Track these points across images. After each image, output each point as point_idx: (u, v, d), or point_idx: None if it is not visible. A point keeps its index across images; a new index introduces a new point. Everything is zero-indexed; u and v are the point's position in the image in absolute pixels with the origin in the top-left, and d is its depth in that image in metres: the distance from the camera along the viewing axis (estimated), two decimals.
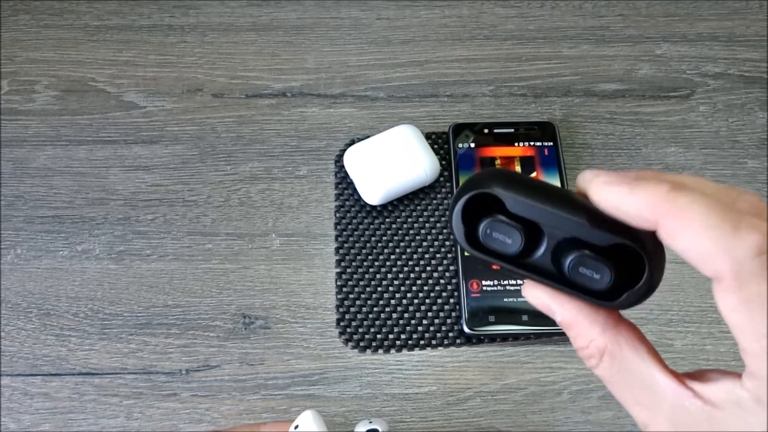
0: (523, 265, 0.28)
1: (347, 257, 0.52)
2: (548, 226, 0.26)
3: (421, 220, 0.54)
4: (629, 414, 0.26)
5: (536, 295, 0.28)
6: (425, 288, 0.51)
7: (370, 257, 0.52)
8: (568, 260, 0.26)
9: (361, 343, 0.50)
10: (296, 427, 0.32)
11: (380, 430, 0.30)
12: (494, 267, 0.51)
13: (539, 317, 0.49)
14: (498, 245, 0.27)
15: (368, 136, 0.55)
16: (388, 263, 0.52)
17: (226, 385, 0.48)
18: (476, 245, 0.27)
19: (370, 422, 0.30)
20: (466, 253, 0.51)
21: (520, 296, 0.50)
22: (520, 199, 0.26)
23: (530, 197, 0.26)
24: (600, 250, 0.26)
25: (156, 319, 0.50)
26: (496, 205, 0.26)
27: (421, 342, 0.50)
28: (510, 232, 0.27)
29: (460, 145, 0.56)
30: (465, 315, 0.49)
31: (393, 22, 0.64)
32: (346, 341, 0.50)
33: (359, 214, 0.54)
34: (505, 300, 0.50)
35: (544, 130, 0.57)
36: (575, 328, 0.27)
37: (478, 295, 0.50)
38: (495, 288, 0.50)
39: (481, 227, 0.27)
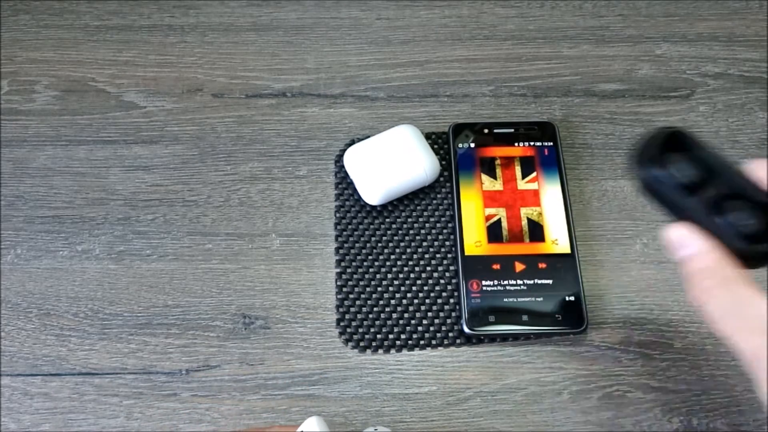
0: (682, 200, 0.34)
1: (347, 257, 0.52)
2: (719, 179, 0.34)
3: (421, 220, 0.54)
4: (734, 347, 0.31)
5: (680, 231, 0.34)
6: (425, 288, 0.51)
7: (370, 257, 0.52)
8: (727, 205, 0.33)
9: (361, 343, 0.50)
10: None
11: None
12: (494, 267, 0.51)
13: (539, 317, 0.49)
14: (675, 172, 0.34)
15: (368, 136, 0.55)
16: (388, 263, 0.52)
17: (226, 385, 0.48)
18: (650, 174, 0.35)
19: (375, 430, 0.30)
20: (466, 253, 0.52)
21: (520, 296, 0.50)
22: (706, 151, 0.35)
23: (714, 153, 0.35)
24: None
25: (156, 319, 0.50)
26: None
27: (421, 342, 0.50)
28: (688, 168, 0.34)
29: (460, 145, 0.56)
30: (465, 315, 0.49)
31: (393, 22, 0.64)
32: (346, 341, 0.50)
33: (359, 214, 0.54)
34: (505, 300, 0.50)
35: (544, 130, 0.57)
36: (709, 258, 0.33)
37: (478, 295, 0.50)
38: (495, 288, 0.50)
39: (670, 157, 0.35)
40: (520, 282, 0.50)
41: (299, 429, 0.32)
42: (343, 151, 0.56)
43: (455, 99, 0.60)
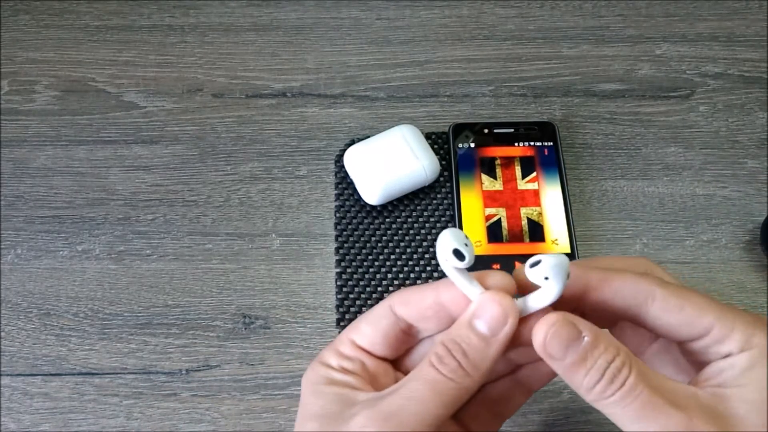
0: None
1: (347, 257, 0.52)
2: None
3: (421, 220, 0.54)
4: None
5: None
6: None
7: (370, 257, 0.52)
8: None
9: None
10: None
11: (543, 261, 0.28)
12: (494, 267, 0.51)
13: None
14: None
15: (368, 136, 0.55)
16: (388, 263, 0.52)
17: (226, 385, 0.48)
18: None
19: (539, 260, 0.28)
20: None
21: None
22: None
23: None
24: None
25: (156, 319, 0.50)
26: None
27: None
28: None
29: (460, 145, 0.56)
30: None
31: (393, 22, 0.64)
32: None
33: (359, 214, 0.54)
34: None
35: (544, 130, 0.57)
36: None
37: None
38: None
39: None
40: None
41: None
42: (343, 151, 0.56)
43: (455, 99, 0.60)
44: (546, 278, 0.28)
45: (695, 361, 0.30)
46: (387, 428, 0.28)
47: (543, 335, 0.28)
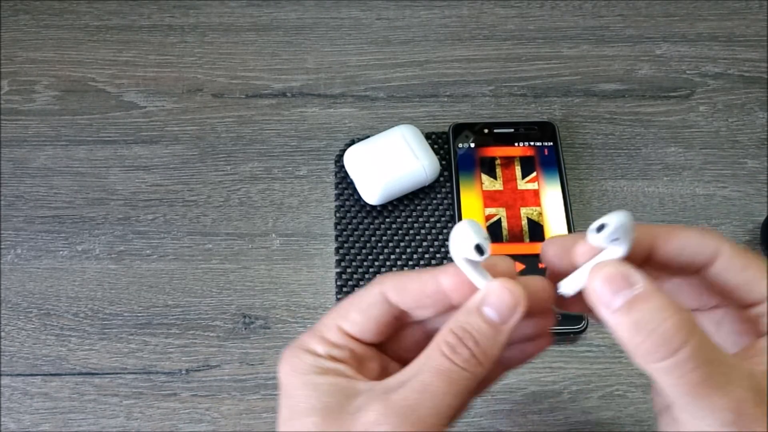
0: None
1: (347, 257, 0.52)
2: None
3: (421, 220, 0.54)
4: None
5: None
6: None
7: (370, 257, 0.52)
8: None
9: None
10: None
11: (609, 223, 0.27)
12: None
13: None
14: None
15: (368, 136, 0.55)
16: (388, 263, 0.52)
17: (226, 385, 0.48)
18: None
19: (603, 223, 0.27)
20: None
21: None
22: None
23: None
24: None
25: (156, 319, 0.50)
26: None
27: None
28: None
29: (460, 145, 0.56)
30: None
31: (393, 22, 0.64)
32: None
33: (359, 214, 0.54)
34: None
35: (544, 130, 0.57)
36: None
37: None
38: None
39: None
40: None
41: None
42: (343, 151, 0.56)
43: (455, 99, 0.60)
44: (614, 239, 0.26)
45: (749, 331, 0.29)
46: (405, 426, 0.26)
47: (592, 279, 0.26)
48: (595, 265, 0.27)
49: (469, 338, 0.28)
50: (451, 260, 0.29)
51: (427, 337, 0.30)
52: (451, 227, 0.53)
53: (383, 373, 0.30)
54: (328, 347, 0.30)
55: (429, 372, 0.27)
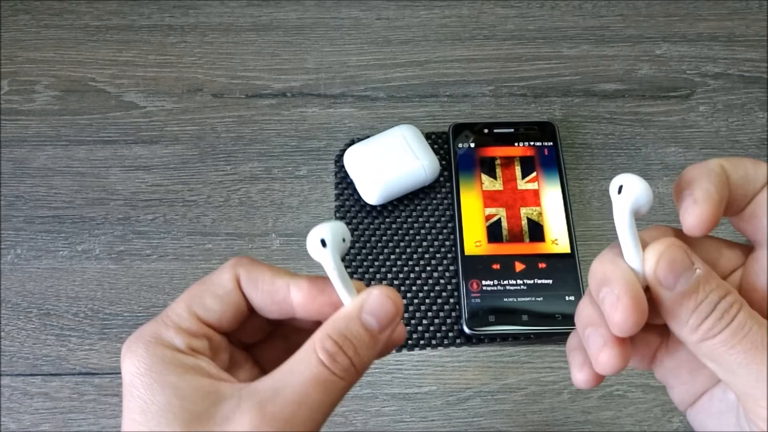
0: None
1: (347, 257, 0.52)
2: None
3: (421, 220, 0.54)
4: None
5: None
6: (425, 288, 0.51)
7: (370, 257, 0.52)
8: None
9: None
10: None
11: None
12: (494, 267, 0.51)
13: (539, 317, 0.49)
14: None
15: (368, 136, 0.55)
16: (388, 263, 0.52)
17: None
18: None
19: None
20: (466, 253, 0.52)
21: (520, 296, 0.50)
22: None
23: None
24: None
25: None
26: None
27: (421, 342, 0.50)
28: None
29: (460, 145, 0.56)
30: (465, 315, 0.49)
31: (393, 22, 0.64)
32: None
33: (359, 214, 0.54)
34: (505, 300, 0.50)
35: (544, 130, 0.57)
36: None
37: (478, 295, 0.50)
38: (495, 288, 0.50)
39: None
40: (520, 282, 0.50)
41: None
42: (343, 151, 0.56)
43: (455, 99, 0.60)
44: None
45: None
46: None
47: (655, 260, 0.25)
48: (651, 246, 0.26)
49: (349, 346, 0.26)
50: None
51: (270, 323, 0.29)
52: (452, 227, 0.53)
53: (232, 364, 0.29)
54: (187, 338, 0.27)
55: (306, 381, 0.25)
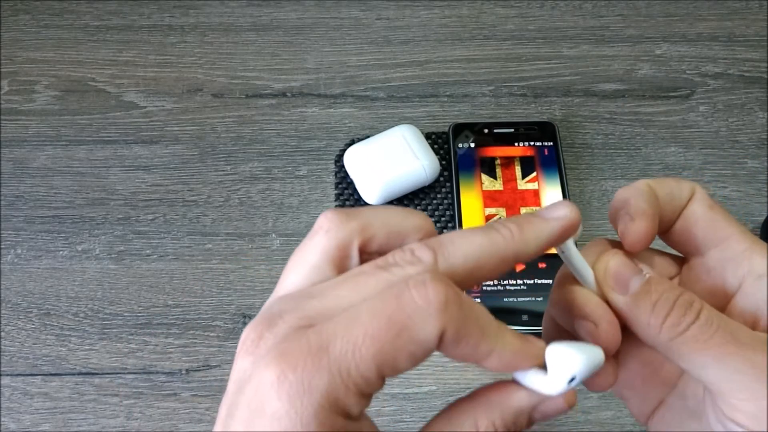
0: None
1: None
2: None
3: None
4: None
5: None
6: None
7: None
8: None
9: None
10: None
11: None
12: None
13: (539, 317, 0.49)
14: None
15: (368, 136, 0.55)
16: None
17: (226, 385, 0.48)
18: None
19: None
20: None
21: (520, 296, 0.50)
22: None
23: None
24: None
25: (156, 319, 0.50)
26: None
27: None
28: None
29: (460, 145, 0.56)
30: None
31: (393, 22, 0.64)
32: None
33: None
34: (505, 300, 0.50)
35: (544, 130, 0.57)
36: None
37: (478, 295, 0.50)
38: (495, 288, 0.50)
39: None
40: (520, 282, 0.50)
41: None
42: (343, 151, 0.56)
43: (455, 99, 0.60)
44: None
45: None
46: None
47: (603, 270, 0.26)
48: (598, 261, 0.27)
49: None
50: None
51: None
52: (452, 227, 0.53)
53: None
54: (364, 403, 0.21)
55: None
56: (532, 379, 0.25)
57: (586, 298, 0.26)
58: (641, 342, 0.26)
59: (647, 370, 0.28)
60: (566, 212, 0.25)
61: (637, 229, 0.26)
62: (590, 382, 0.27)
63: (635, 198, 0.27)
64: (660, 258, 0.29)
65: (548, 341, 0.25)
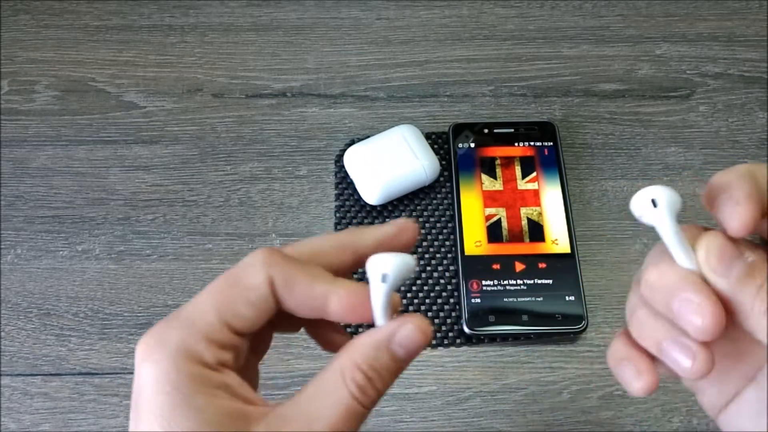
0: None
1: None
2: None
3: (421, 220, 0.54)
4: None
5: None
6: (425, 288, 0.51)
7: None
8: None
9: None
10: None
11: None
12: (494, 267, 0.51)
13: (539, 317, 0.49)
14: None
15: (368, 136, 0.55)
16: None
17: None
18: None
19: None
20: (466, 253, 0.52)
21: (520, 296, 0.50)
22: None
23: None
24: None
25: (156, 319, 0.50)
26: None
27: None
28: None
29: (460, 145, 0.56)
30: (465, 315, 0.49)
31: (393, 22, 0.64)
32: None
33: (359, 214, 0.54)
34: (505, 300, 0.50)
35: (544, 130, 0.57)
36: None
37: (478, 295, 0.50)
38: (495, 288, 0.50)
39: None
40: (520, 282, 0.50)
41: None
42: (343, 151, 0.56)
43: (455, 99, 0.60)
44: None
45: None
46: None
47: (704, 251, 0.25)
48: (699, 243, 0.26)
49: (378, 379, 0.26)
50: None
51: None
52: (452, 227, 0.53)
53: (237, 362, 0.27)
54: (217, 352, 0.25)
55: (338, 414, 0.25)
56: (377, 317, 0.27)
57: (689, 278, 0.25)
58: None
59: (727, 361, 0.27)
60: (403, 220, 0.28)
61: (743, 212, 0.25)
62: (686, 369, 0.26)
63: (739, 181, 0.26)
64: (752, 247, 0.28)
65: (634, 327, 0.26)
